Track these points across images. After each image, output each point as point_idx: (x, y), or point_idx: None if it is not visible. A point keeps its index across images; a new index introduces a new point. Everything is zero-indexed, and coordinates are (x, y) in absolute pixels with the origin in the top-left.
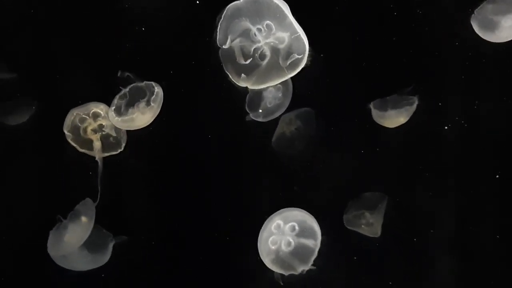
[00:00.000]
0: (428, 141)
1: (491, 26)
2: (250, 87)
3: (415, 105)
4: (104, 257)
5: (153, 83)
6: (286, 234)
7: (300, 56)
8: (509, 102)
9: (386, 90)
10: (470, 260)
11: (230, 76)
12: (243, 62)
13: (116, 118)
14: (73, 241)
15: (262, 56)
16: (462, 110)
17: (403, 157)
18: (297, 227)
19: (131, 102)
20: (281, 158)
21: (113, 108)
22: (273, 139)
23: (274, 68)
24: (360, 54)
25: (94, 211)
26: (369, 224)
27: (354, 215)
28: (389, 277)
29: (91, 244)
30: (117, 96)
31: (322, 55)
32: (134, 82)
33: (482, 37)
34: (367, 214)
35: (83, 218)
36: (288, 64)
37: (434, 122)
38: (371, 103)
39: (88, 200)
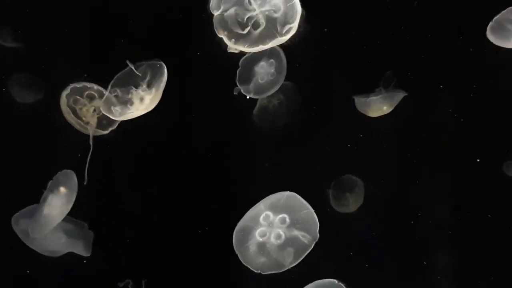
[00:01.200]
0: (416, 131)
1: (505, 34)
2: (244, 50)
3: (399, 95)
4: (82, 243)
5: (156, 61)
6: (275, 227)
7: (294, 25)
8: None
9: (380, 78)
10: (460, 246)
11: (225, 40)
12: (239, 31)
13: (112, 110)
14: (53, 213)
15: (256, 25)
16: (453, 103)
17: (388, 145)
18: (287, 219)
19: (127, 89)
20: (264, 133)
21: (107, 99)
22: (255, 112)
23: (268, 36)
24: (362, 35)
25: (75, 183)
26: (349, 204)
27: (334, 195)
28: (383, 269)
29: (67, 228)
30: (110, 84)
31: (326, 29)
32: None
33: (493, 42)
34: (347, 195)
35: (62, 189)
36: (282, 32)
37: (424, 114)
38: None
39: (69, 171)
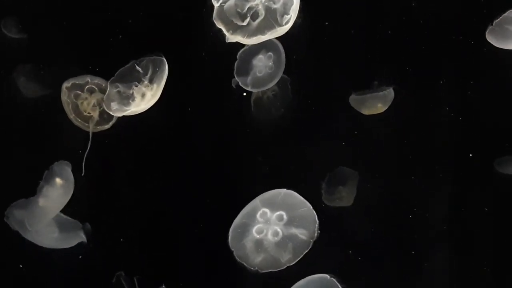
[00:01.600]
0: (414, 130)
1: (507, 34)
2: (242, 41)
3: (391, 93)
4: (76, 239)
5: (157, 57)
6: (272, 224)
7: (293, 15)
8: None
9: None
10: (458, 244)
11: (223, 31)
12: (239, 23)
13: (114, 105)
14: (49, 205)
15: (255, 15)
16: (449, 102)
17: (383, 143)
18: (285, 216)
19: (129, 85)
20: (261, 130)
21: (108, 95)
22: (252, 104)
23: (267, 26)
24: (362, 34)
25: (71, 174)
26: (342, 197)
27: (327, 190)
28: (379, 265)
29: (61, 223)
30: (112, 80)
31: (327, 23)
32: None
33: (494, 44)
34: (340, 188)
35: (58, 180)
36: (282, 23)
37: (420, 113)
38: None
39: (64, 162)
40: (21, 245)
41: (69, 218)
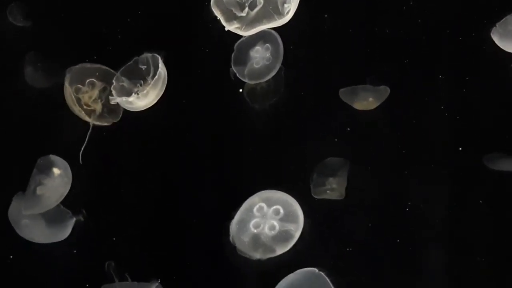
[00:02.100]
0: (410, 126)
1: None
2: (241, 31)
3: (386, 89)
4: (63, 233)
5: (159, 54)
6: (269, 218)
7: (293, 6)
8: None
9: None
10: (452, 236)
11: (221, 20)
12: (238, 13)
13: (118, 99)
14: (47, 195)
15: (254, 4)
16: (448, 100)
17: (378, 138)
18: (281, 211)
19: (133, 82)
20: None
21: (114, 89)
22: (244, 94)
23: (266, 16)
24: (361, 30)
25: (68, 166)
26: (333, 189)
27: (317, 182)
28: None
29: (50, 218)
30: (117, 75)
31: (326, 15)
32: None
33: (501, 47)
34: (330, 179)
35: (55, 170)
36: (284, 13)
37: (418, 112)
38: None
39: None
40: (17, 241)
41: (61, 206)
